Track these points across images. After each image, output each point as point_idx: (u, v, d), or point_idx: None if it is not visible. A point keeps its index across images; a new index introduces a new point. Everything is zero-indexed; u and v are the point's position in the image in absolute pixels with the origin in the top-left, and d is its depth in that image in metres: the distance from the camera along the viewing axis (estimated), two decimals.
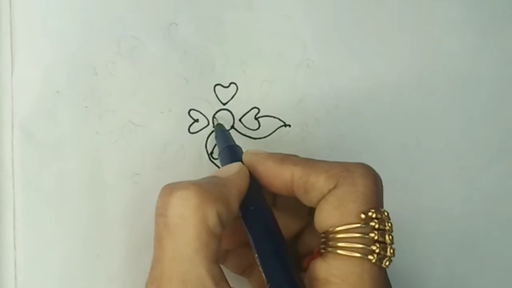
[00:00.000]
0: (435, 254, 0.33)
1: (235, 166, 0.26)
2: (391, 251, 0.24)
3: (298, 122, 0.32)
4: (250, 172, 0.26)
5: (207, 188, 0.23)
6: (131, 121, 0.30)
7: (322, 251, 0.24)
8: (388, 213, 0.24)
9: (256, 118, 0.32)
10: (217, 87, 0.31)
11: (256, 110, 0.32)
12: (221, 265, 0.28)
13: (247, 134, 0.32)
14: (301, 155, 0.32)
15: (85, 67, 0.29)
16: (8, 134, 0.29)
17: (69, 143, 0.29)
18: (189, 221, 0.22)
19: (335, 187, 0.24)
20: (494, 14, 0.35)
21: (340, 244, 0.23)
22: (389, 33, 0.33)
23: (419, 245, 0.33)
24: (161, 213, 0.23)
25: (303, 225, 0.28)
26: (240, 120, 0.32)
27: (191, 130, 0.31)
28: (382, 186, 0.25)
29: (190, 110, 0.31)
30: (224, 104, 0.32)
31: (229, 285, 0.23)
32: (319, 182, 0.24)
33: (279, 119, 0.32)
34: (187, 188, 0.23)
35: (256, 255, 0.24)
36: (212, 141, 0.31)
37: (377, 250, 0.23)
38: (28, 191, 0.29)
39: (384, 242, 0.23)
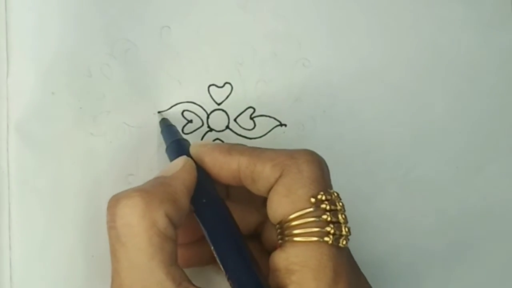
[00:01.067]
0: (431, 254, 0.32)
1: (180, 161, 0.26)
2: (346, 229, 0.24)
3: (294, 121, 0.32)
4: (198, 165, 0.26)
5: (151, 192, 0.23)
6: (125, 122, 0.30)
7: (280, 241, 0.24)
8: (338, 194, 0.24)
9: (251, 118, 0.32)
10: (211, 87, 0.31)
11: (252, 110, 0.32)
12: (211, 265, 0.28)
13: (243, 134, 0.32)
14: None
15: (79, 69, 0.30)
16: (3, 135, 0.29)
17: (64, 144, 0.30)
18: (138, 229, 0.22)
19: (281, 175, 0.24)
20: (494, 12, 0.34)
21: (295, 232, 0.23)
22: (386, 32, 0.33)
23: (415, 245, 0.32)
24: (111, 226, 0.23)
25: (260, 218, 0.28)
26: (235, 120, 0.32)
27: (185, 131, 0.31)
28: (328, 169, 0.25)
29: (184, 111, 0.31)
30: (218, 104, 0.31)
31: (193, 284, 0.23)
32: (265, 171, 0.24)
33: (274, 119, 0.32)
34: (131, 196, 0.23)
35: (212, 248, 0.24)
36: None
37: (332, 231, 0.23)
38: (23, 191, 0.29)
39: (338, 222, 0.23)
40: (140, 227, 0.22)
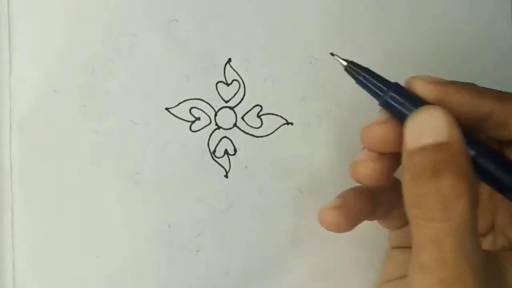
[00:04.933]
0: None
1: (437, 121, 0.22)
2: None
3: (300, 120, 0.31)
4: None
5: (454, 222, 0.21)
6: (131, 119, 0.30)
7: None
8: None
9: (258, 116, 0.31)
10: (219, 84, 0.31)
11: (259, 108, 0.31)
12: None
13: (250, 132, 0.31)
14: (303, 154, 0.31)
15: (83, 66, 0.29)
16: (6, 133, 0.28)
17: (67, 142, 0.29)
18: None
19: None
20: (494, 12, 0.34)
21: None
22: (391, 31, 0.33)
23: None
24: None
25: None
26: (242, 118, 0.31)
27: (193, 129, 0.30)
28: None
29: (191, 108, 0.30)
30: (226, 102, 0.31)
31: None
32: None
33: (281, 117, 0.31)
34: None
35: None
36: (214, 139, 0.31)
37: None
38: (26, 190, 0.28)
39: None
40: None
